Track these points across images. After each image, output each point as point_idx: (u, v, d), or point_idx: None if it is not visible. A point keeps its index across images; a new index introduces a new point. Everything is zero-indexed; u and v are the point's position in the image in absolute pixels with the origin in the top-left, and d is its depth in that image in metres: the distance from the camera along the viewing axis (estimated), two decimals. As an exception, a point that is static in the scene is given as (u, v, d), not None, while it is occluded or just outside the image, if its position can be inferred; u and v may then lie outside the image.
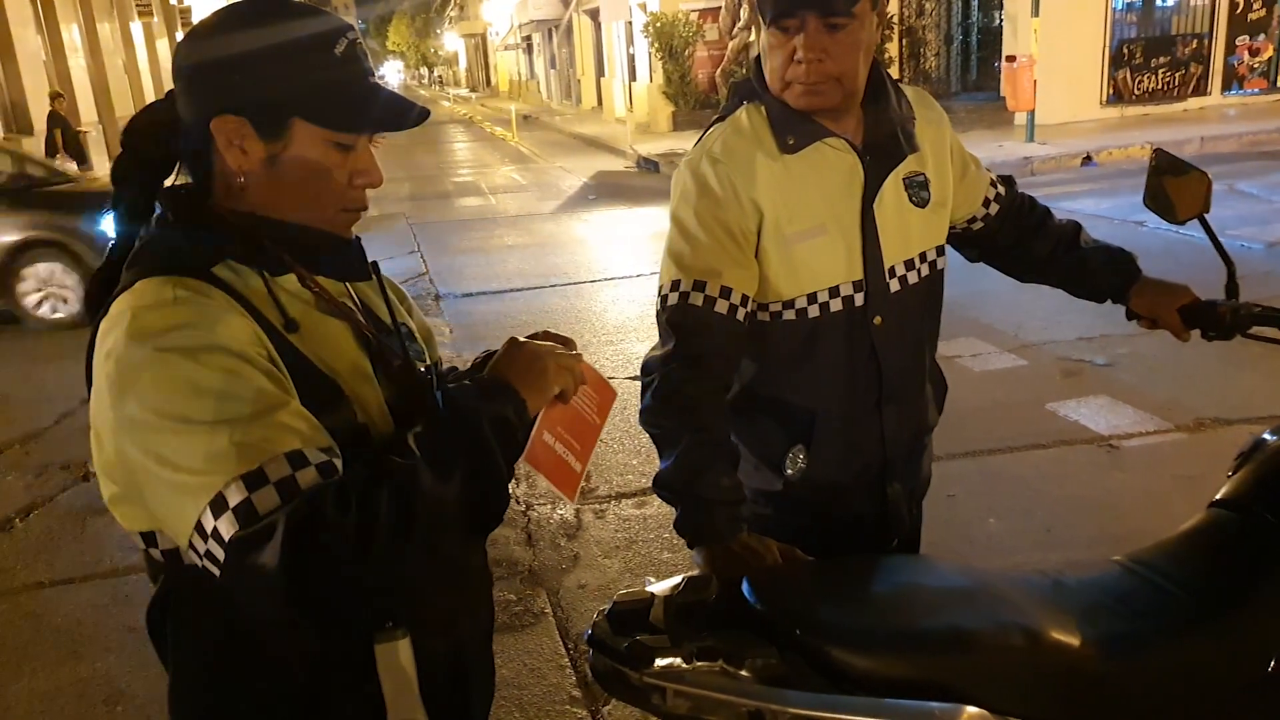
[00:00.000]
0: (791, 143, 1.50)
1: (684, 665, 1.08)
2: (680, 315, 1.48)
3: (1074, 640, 1.21)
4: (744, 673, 1.08)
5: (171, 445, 0.88)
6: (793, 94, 1.48)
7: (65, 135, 13.17)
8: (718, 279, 1.48)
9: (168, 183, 1.08)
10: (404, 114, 1.04)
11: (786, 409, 1.59)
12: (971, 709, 1.09)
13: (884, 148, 1.54)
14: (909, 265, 1.58)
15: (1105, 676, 1.21)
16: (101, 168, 15.21)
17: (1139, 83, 13.72)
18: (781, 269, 1.52)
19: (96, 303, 1.01)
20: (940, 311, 1.68)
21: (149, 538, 1.00)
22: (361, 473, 0.90)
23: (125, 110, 18.10)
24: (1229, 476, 1.53)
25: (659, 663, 1.08)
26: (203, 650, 1.02)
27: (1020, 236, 1.77)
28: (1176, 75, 13.76)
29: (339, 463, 0.92)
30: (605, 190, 12.21)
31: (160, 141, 1.06)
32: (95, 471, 1.00)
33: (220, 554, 0.85)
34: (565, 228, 9.87)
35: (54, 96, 13.49)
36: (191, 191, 1.05)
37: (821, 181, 1.52)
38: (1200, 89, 13.83)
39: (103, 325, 0.96)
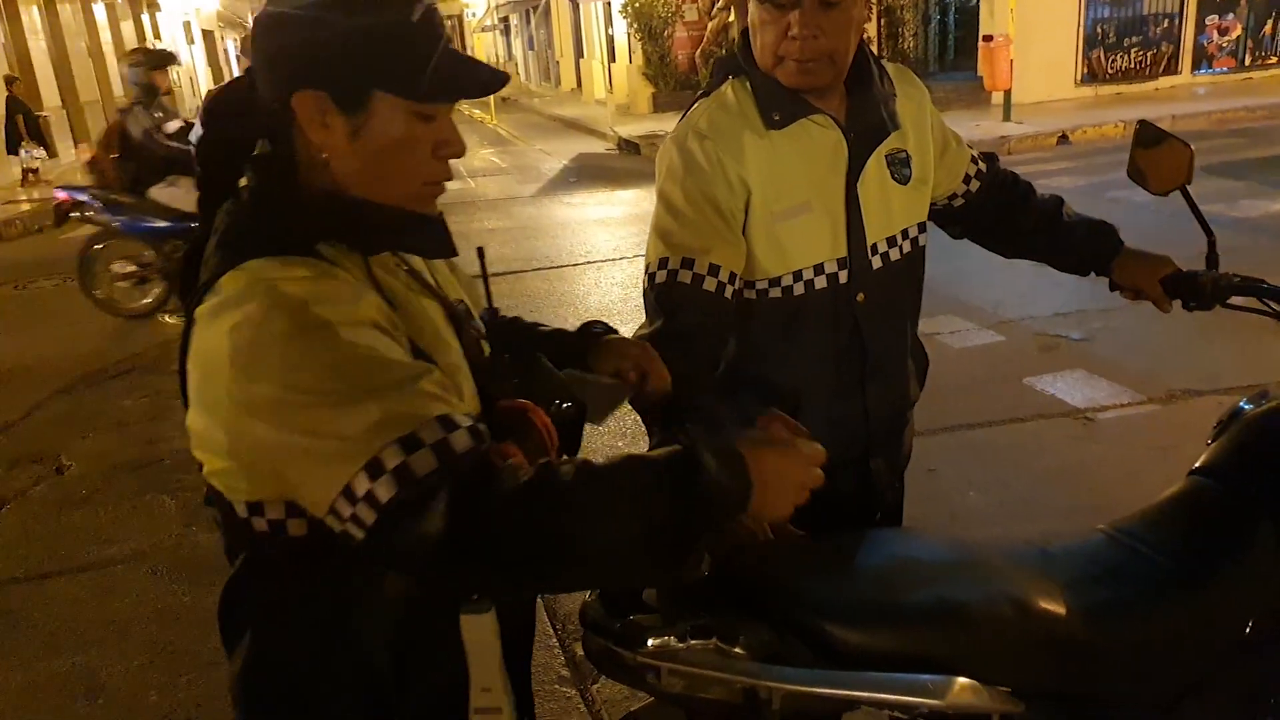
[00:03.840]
0: (777, 118, 1.49)
1: (678, 644, 1.08)
2: (668, 293, 1.48)
3: (1061, 609, 1.22)
4: (738, 650, 1.09)
5: (320, 417, 0.88)
6: (786, 71, 1.47)
7: (27, 121, 12.89)
8: (705, 256, 1.47)
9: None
10: (484, 80, 1.03)
11: (771, 387, 1.59)
12: (962, 680, 1.10)
13: (868, 125, 1.54)
14: (891, 242, 1.59)
15: (1091, 643, 1.23)
16: (65, 154, 14.89)
17: (1112, 62, 13.80)
18: (768, 247, 1.51)
19: (187, 284, 1.00)
20: (921, 288, 1.69)
21: (254, 507, 0.98)
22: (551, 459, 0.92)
23: (90, 95, 17.72)
24: (1208, 444, 1.56)
25: (652, 642, 1.08)
26: (284, 628, 1.02)
27: (1003, 213, 1.78)
28: (1148, 54, 13.86)
29: (484, 428, 0.92)
30: (586, 173, 12.13)
31: (240, 121, 1.04)
32: (196, 453, 0.98)
33: (370, 517, 0.86)
34: (546, 211, 9.80)
35: (9, 80, 13.18)
36: (281, 169, 1.03)
37: (806, 159, 1.52)
38: (1171, 68, 13.93)
39: (211, 303, 0.94)
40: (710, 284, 1.47)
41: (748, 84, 1.53)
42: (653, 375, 1.29)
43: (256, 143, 1.05)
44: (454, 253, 1.12)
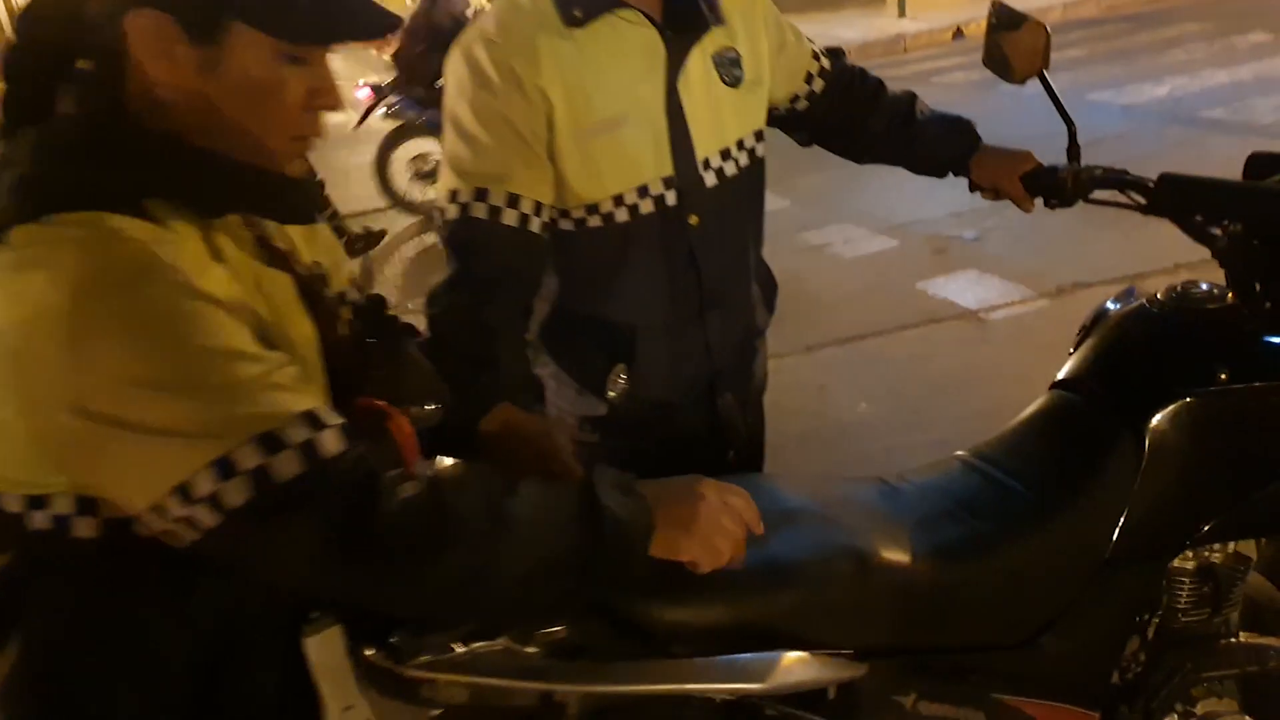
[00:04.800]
0: (579, 15, 1.28)
1: (460, 649, 0.92)
2: (462, 231, 1.28)
3: (906, 556, 1.11)
4: (531, 648, 0.94)
5: (154, 407, 0.76)
6: None
7: None
8: (502, 185, 1.27)
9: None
10: (369, 21, 0.88)
11: (603, 326, 1.43)
12: (790, 655, 0.97)
13: (686, 19, 1.34)
14: (725, 155, 1.41)
15: (941, 588, 1.12)
16: None
17: (1005, -51, 13.68)
18: (580, 168, 1.32)
19: None
20: (763, 205, 1.52)
21: (35, 501, 0.84)
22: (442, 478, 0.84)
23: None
24: (1070, 353, 1.46)
25: (426, 654, 0.91)
26: (61, 638, 0.88)
27: (851, 114, 1.61)
28: (1040, -60, 13.76)
29: (349, 426, 0.83)
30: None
31: (64, 33, 0.85)
32: None
33: (211, 521, 0.77)
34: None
35: None
36: (108, 103, 0.85)
37: (618, 63, 1.31)
38: (1063, -47, 13.88)
39: (3, 259, 0.78)
40: (510, 217, 1.28)
41: None
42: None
43: (75, 61, 0.87)
44: (314, 219, 0.99)
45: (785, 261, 4.59)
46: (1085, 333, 1.46)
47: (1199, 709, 1.30)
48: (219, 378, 0.78)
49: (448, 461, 1.22)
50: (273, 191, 0.91)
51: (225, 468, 0.76)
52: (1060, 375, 1.42)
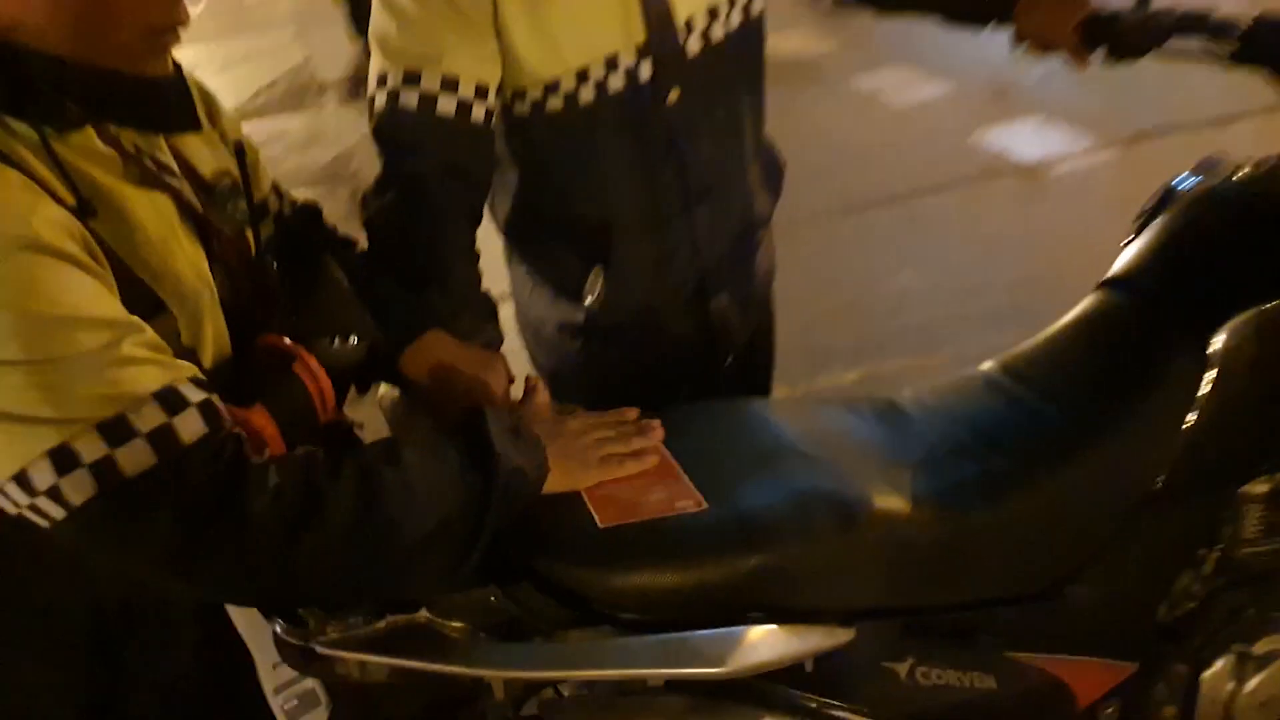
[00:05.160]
0: None
1: (377, 624, 0.81)
2: (390, 123, 1.09)
3: (905, 505, 0.95)
4: (456, 622, 0.82)
5: None
6: None
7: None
8: (436, 66, 1.07)
9: None
10: None
11: (574, 225, 1.25)
12: (756, 629, 0.84)
13: None
14: (712, 14, 1.17)
15: (946, 541, 0.96)
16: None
17: None
18: (533, 39, 1.10)
19: None
20: (762, 73, 1.28)
21: None
22: (319, 455, 0.75)
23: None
24: (1126, 245, 1.23)
25: (334, 629, 0.80)
26: None
27: None
28: None
29: (218, 401, 0.74)
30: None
31: None
32: None
33: (57, 514, 0.69)
34: None
35: None
36: None
37: None
38: None
39: None
40: (447, 105, 1.08)
41: None
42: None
43: None
44: (194, 125, 0.85)
45: (828, 112, 4.24)
46: (1147, 218, 1.23)
47: (1257, 648, 1.15)
48: (53, 350, 0.67)
49: (388, 390, 1.09)
50: (127, 97, 0.77)
51: (64, 459, 0.67)
52: (1112, 271, 1.20)
